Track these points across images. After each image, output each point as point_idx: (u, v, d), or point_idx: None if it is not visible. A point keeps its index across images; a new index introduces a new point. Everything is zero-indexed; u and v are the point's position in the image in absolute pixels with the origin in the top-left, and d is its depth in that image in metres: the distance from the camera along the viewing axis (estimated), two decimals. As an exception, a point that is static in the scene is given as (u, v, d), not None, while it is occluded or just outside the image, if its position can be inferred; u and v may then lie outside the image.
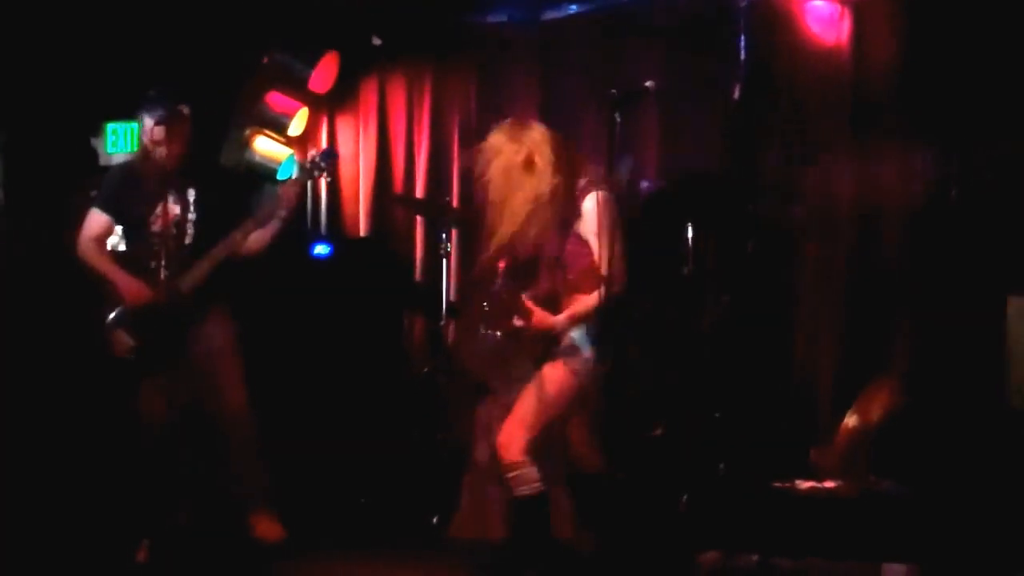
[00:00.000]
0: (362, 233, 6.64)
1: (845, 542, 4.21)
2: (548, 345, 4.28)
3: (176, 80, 5.00)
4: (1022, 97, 4.90)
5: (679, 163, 5.74)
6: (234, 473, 4.92)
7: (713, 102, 5.60)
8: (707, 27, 5.62)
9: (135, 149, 5.06)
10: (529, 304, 4.20)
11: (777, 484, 4.53)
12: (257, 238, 4.93)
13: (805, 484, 4.55)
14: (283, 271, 5.90)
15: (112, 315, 4.80)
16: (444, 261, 5.68)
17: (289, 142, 6.59)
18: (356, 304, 5.98)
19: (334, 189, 6.75)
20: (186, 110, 4.85)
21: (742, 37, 5.36)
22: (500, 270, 4.52)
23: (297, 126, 6.62)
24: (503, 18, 6.26)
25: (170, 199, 4.84)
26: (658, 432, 4.80)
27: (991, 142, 5.00)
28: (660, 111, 5.75)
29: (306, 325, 5.86)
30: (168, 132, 4.77)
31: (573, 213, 4.24)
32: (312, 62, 6.43)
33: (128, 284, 4.79)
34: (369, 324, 5.98)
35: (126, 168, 5.04)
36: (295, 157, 6.60)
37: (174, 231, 4.84)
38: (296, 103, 6.56)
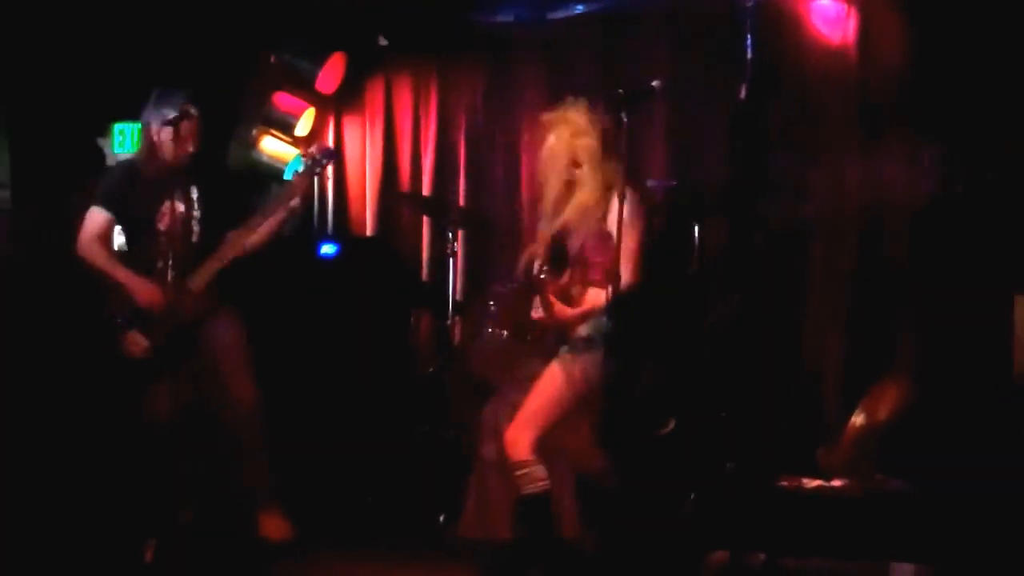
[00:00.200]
0: (369, 233, 6.64)
1: (852, 541, 4.20)
2: (559, 340, 4.28)
3: (182, 80, 5.00)
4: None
5: (686, 162, 5.74)
6: (242, 471, 4.91)
7: (720, 101, 5.59)
8: (714, 26, 5.63)
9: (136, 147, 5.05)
10: (551, 296, 4.21)
11: (784, 483, 4.53)
12: (263, 229, 4.91)
13: (812, 483, 4.54)
14: (290, 271, 5.92)
15: (124, 316, 4.79)
16: (451, 260, 5.68)
17: (296, 142, 6.59)
18: (362, 303, 5.98)
19: (341, 189, 6.75)
20: (194, 110, 4.85)
21: (749, 36, 5.35)
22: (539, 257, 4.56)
23: (304, 126, 6.62)
24: (509, 17, 6.25)
25: (175, 197, 4.84)
26: (670, 427, 4.79)
27: (998, 141, 4.99)
28: (667, 111, 5.75)
29: (313, 324, 5.86)
30: (176, 133, 4.77)
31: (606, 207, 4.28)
32: (319, 62, 6.43)
33: (139, 285, 4.78)
34: (375, 323, 5.98)
35: (127, 166, 5.02)
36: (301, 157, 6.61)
37: (181, 229, 4.84)
38: (303, 103, 6.56)
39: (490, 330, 5.40)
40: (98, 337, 4.90)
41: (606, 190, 4.32)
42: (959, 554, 4.07)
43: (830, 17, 5.42)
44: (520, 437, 4.24)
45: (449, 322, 5.74)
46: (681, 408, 4.87)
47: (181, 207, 4.87)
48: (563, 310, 4.24)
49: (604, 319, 4.18)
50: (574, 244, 4.38)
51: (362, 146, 6.72)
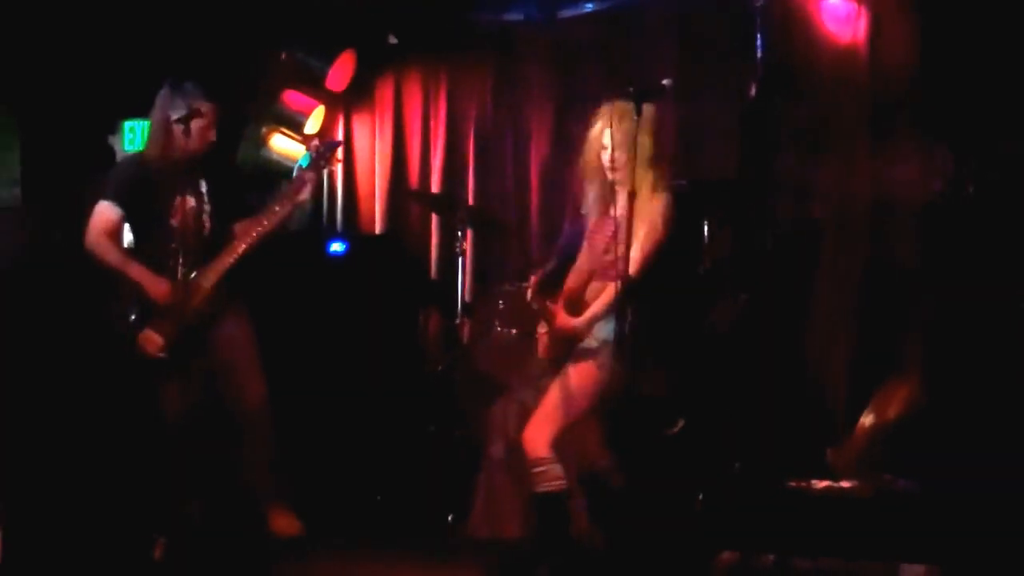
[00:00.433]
0: (378, 231, 6.65)
1: (862, 542, 4.20)
2: (569, 346, 4.28)
3: (193, 77, 5.00)
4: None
5: (696, 161, 5.74)
6: (252, 468, 4.92)
7: (730, 100, 5.59)
8: (723, 26, 5.62)
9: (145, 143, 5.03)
10: (551, 308, 4.22)
11: (793, 484, 4.52)
12: (268, 222, 4.87)
13: (821, 484, 4.53)
14: (299, 268, 5.92)
15: (137, 313, 4.76)
16: (459, 259, 5.69)
17: (305, 140, 6.60)
18: (371, 301, 5.99)
19: (350, 187, 6.77)
20: (205, 107, 4.84)
21: (758, 36, 5.35)
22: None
23: (313, 124, 6.62)
24: (519, 16, 6.26)
25: (185, 192, 4.83)
26: (679, 427, 4.79)
27: (1008, 140, 4.98)
28: (677, 109, 5.74)
29: (322, 322, 5.87)
30: (187, 130, 4.76)
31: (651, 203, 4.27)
32: (329, 60, 6.44)
33: (153, 282, 4.72)
34: (384, 321, 5.99)
35: (137, 161, 4.97)
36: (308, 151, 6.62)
37: (193, 224, 4.82)
38: (313, 101, 6.56)
39: (498, 329, 5.43)
40: (109, 335, 4.89)
41: (649, 187, 4.27)
42: (968, 555, 4.06)
43: (840, 16, 5.41)
44: (538, 435, 4.24)
45: (458, 321, 5.75)
46: (690, 408, 4.87)
47: (192, 202, 4.86)
48: (567, 321, 4.23)
49: (614, 319, 4.18)
50: (605, 234, 4.34)
51: (371, 144, 6.73)
